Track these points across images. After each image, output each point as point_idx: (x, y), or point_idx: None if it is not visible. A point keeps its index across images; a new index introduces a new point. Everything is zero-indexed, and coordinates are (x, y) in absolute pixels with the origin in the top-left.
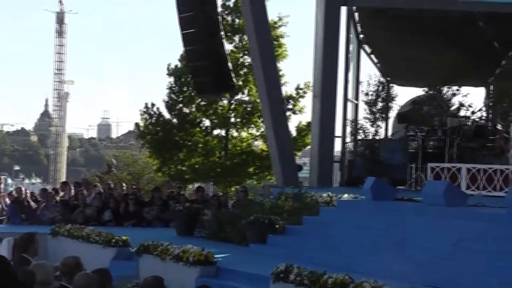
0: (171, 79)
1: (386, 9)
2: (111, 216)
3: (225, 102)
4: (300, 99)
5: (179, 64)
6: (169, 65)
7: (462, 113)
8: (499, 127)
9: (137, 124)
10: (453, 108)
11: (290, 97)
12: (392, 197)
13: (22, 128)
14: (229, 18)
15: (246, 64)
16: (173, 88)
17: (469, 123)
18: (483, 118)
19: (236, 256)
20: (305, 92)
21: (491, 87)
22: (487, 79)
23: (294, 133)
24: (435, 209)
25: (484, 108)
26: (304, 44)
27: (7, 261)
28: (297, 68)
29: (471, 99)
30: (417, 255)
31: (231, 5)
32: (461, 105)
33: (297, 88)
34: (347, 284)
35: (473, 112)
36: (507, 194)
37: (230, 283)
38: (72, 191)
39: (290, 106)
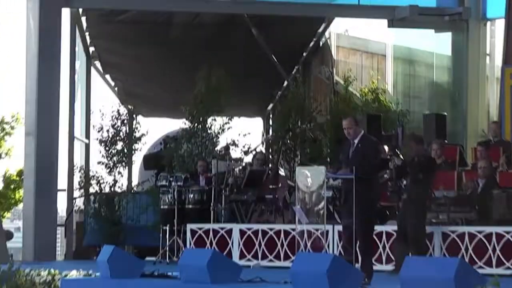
0: None
1: (121, 12)
2: None
3: None
4: (6, 138)
5: None
6: None
7: (233, 154)
8: (281, 172)
9: None
10: (220, 147)
11: None
12: (138, 273)
13: None
14: None
15: None
16: None
17: (241, 167)
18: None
19: None
20: (12, 128)
21: (271, 117)
22: (266, 107)
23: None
24: None
25: (262, 147)
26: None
27: None
28: None
29: (244, 134)
30: None
31: None
32: (233, 143)
33: (1, 123)
34: None
35: (246, 153)
36: (293, 265)
37: None
38: None
39: None
